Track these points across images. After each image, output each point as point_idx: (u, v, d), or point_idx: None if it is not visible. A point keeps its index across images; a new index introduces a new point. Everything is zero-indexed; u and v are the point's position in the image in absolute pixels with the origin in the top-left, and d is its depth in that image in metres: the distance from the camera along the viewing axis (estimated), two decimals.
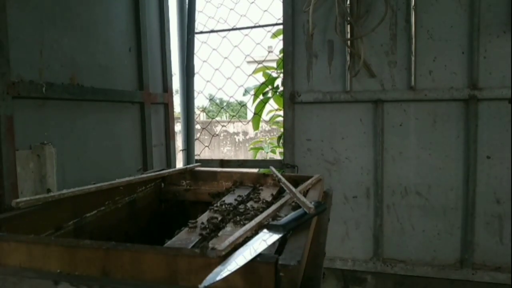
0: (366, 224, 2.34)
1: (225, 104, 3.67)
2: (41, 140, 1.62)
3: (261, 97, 3.01)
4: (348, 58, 2.27)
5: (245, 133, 9.25)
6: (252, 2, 2.68)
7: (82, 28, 1.90)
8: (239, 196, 1.06)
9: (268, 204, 0.94)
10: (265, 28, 2.73)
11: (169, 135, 2.72)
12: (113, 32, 2.15)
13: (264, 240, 0.53)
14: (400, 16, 2.20)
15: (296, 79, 2.39)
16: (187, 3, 2.76)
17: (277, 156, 3.39)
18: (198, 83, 2.88)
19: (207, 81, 2.87)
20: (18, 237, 0.51)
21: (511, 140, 2.08)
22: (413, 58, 2.18)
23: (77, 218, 0.79)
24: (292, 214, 0.64)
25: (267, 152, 3.63)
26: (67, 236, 0.75)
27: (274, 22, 2.68)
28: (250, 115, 3.18)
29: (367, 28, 2.18)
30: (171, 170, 1.25)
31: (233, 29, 2.79)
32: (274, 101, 3.01)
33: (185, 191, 1.26)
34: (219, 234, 0.75)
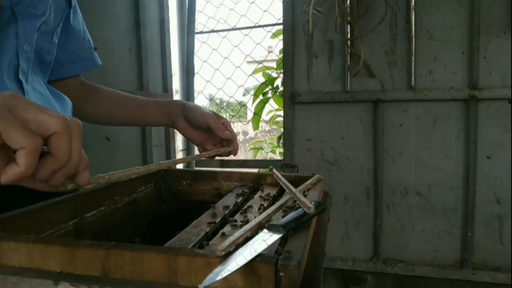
0: (366, 224, 2.34)
1: (225, 104, 3.66)
2: None
3: (261, 97, 3.01)
4: (348, 58, 2.27)
5: (245, 133, 9.24)
6: (252, 2, 2.68)
7: None
8: (239, 196, 1.06)
9: (268, 204, 0.94)
10: (265, 28, 2.73)
11: (169, 135, 2.72)
12: (113, 32, 2.15)
13: (264, 240, 0.53)
14: (400, 16, 2.20)
15: (296, 79, 2.39)
16: (187, 3, 2.76)
17: (277, 156, 3.39)
18: (198, 83, 2.88)
19: (207, 81, 2.87)
20: (18, 237, 0.50)
21: (511, 140, 2.08)
22: (413, 58, 2.17)
23: (77, 218, 0.78)
24: (292, 214, 0.64)
25: (267, 152, 3.62)
26: (67, 236, 0.75)
27: (274, 22, 2.68)
28: (250, 115, 3.18)
29: (367, 28, 2.17)
30: (170, 161, 1.24)
31: (233, 29, 2.79)
32: (274, 101, 3.00)
33: (185, 191, 1.26)
34: (219, 234, 0.75)
